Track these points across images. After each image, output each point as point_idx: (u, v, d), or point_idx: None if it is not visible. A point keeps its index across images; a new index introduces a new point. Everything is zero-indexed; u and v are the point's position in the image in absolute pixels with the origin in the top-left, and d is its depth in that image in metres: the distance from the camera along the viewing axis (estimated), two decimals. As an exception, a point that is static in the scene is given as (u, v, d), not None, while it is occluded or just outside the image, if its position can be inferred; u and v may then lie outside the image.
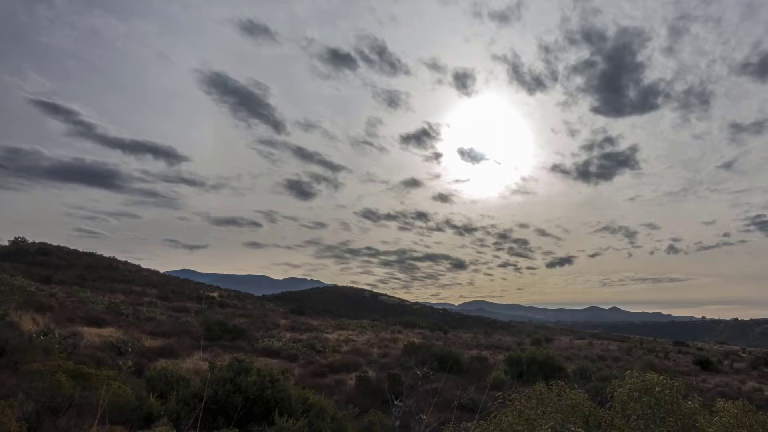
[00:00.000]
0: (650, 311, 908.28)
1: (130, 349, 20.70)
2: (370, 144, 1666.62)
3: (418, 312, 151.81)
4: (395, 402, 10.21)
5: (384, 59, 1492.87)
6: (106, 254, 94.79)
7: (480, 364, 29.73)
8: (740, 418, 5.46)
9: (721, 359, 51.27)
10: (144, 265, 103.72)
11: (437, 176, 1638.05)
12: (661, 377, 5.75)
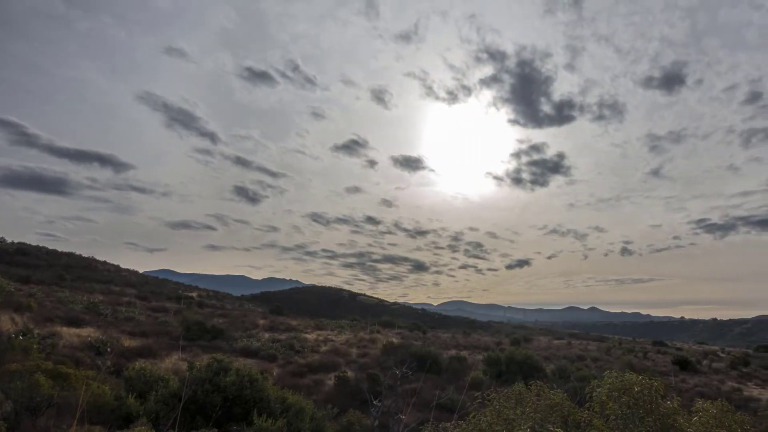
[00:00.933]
0: (629, 311, 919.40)
1: (108, 349, 20.43)
2: (303, 153, 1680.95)
3: (397, 312, 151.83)
4: (374, 402, 10.24)
5: (300, 75, 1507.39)
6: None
7: (459, 364, 29.82)
8: (719, 418, 5.55)
9: (700, 359, 51.76)
10: (123, 265, 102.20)
11: (377, 183, 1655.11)
12: (640, 377, 5.81)
